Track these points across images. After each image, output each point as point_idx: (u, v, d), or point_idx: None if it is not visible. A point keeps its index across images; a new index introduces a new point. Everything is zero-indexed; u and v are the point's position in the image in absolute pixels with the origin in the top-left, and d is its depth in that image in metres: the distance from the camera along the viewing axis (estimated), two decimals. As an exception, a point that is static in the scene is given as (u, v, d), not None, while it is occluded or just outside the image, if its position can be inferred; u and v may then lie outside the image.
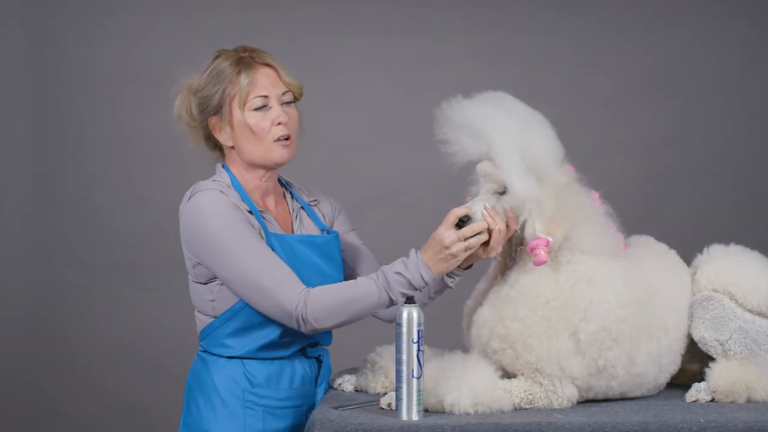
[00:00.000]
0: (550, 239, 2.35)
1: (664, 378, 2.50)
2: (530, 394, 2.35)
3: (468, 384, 2.29)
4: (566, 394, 2.37)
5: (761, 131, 4.72)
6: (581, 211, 2.39)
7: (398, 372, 2.24)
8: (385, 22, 4.65)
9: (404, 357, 2.23)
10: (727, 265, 2.53)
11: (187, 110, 2.63)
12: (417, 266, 2.40)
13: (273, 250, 2.50)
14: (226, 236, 2.45)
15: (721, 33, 4.71)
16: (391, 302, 2.43)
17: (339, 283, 2.48)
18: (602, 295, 2.35)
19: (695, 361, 2.57)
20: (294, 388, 2.57)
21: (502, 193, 2.39)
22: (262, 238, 2.50)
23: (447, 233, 2.37)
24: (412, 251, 2.43)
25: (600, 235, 2.40)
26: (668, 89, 4.70)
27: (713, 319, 2.48)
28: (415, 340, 2.23)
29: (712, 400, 2.44)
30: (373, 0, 4.64)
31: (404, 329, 2.23)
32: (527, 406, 2.35)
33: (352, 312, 2.43)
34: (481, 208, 2.39)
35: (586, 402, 2.42)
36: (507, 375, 2.41)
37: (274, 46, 2.68)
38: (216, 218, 2.46)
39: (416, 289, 2.42)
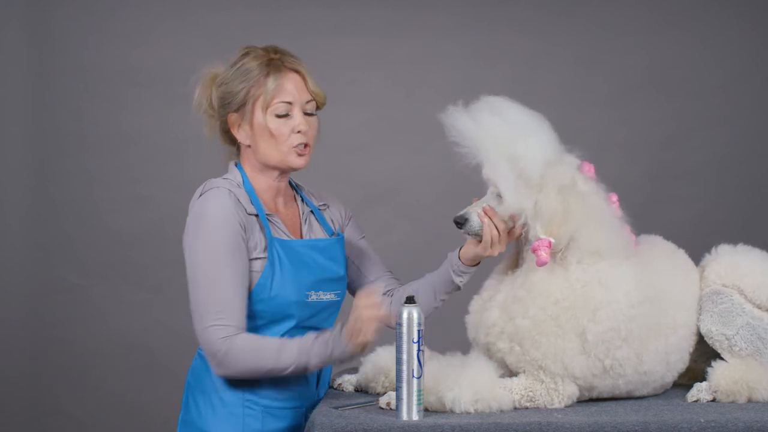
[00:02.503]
0: (552, 240, 2.36)
1: (672, 376, 2.51)
2: (531, 391, 2.36)
3: (468, 382, 2.30)
4: (567, 392, 2.37)
5: (761, 131, 4.72)
6: (586, 212, 2.39)
7: (398, 372, 2.24)
8: (385, 22, 4.65)
9: (404, 357, 2.23)
10: (736, 261, 2.55)
11: (207, 100, 2.62)
12: (338, 340, 2.41)
13: (276, 255, 2.51)
14: (204, 259, 2.46)
15: (721, 33, 4.71)
16: (306, 368, 2.44)
17: (263, 347, 2.43)
18: (612, 296, 2.36)
19: (700, 361, 2.58)
20: (294, 389, 2.57)
21: None
22: (251, 253, 2.50)
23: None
24: (339, 325, 2.44)
25: (608, 236, 2.41)
26: (668, 89, 4.70)
27: (721, 313, 2.49)
28: (416, 340, 2.23)
29: (713, 400, 2.44)
30: (372, 0, 4.64)
31: (404, 329, 2.23)
32: (527, 404, 2.35)
33: (264, 375, 2.45)
34: (477, 208, 2.44)
35: (586, 402, 2.42)
36: (508, 374, 2.42)
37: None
38: (207, 233, 2.46)
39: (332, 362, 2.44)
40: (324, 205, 2.73)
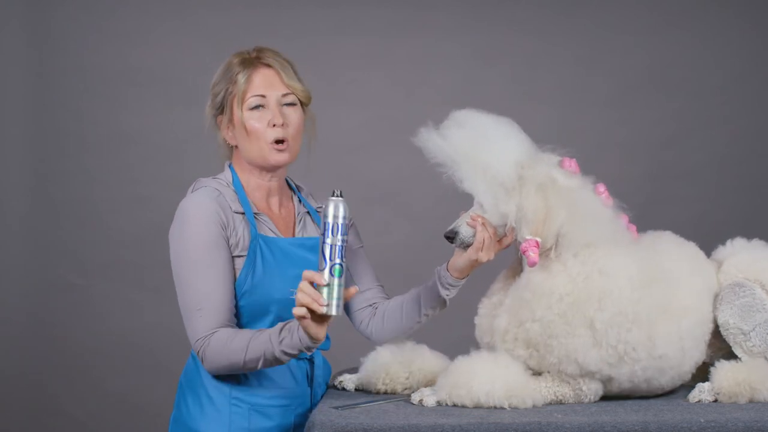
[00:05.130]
0: (539, 240, 2.37)
1: (688, 366, 2.49)
2: (559, 394, 2.40)
3: (501, 378, 2.33)
4: (592, 389, 2.41)
5: (761, 131, 4.73)
6: (570, 206, 2.40)
7: (321, 269, 2.23)
8: (385, 22, 4.65)
9: (327, 253, 2.22)
10: (755, 256, 2.55)
11: (207, 109, 2.65)
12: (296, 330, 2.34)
13: (259, 252, 2.52)
14: (182, 258, 2.47)
15: (721, 33, 4.71)
16: (276, 359, 2.38)
17: (233, 343, 2.40)
18: (614, 283, 2.38)
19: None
20: (283, 388, 2.56)
21: None
22: (233, 250, 2.50)
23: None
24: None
25: (597, 226, 2.42)
26: (668, 89, 4.70)
27: (741, 307, 2.48)
28: (340, 234, 2.23)
29: (715, 401, 2.44)
30: (372, 0, 4.64)
31: (330, 223, 2.22)
32: (556, 404, 2.39)
33: (242, 370, 2.42)
34: (466, 218, 2.45)
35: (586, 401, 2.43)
36: (533, 372, 2.45)
37: (274, 46, 2.68)
38: (185, 232, 2.47)
39: (295, 354, 2.36)
40: (321, 207, 2.72)
